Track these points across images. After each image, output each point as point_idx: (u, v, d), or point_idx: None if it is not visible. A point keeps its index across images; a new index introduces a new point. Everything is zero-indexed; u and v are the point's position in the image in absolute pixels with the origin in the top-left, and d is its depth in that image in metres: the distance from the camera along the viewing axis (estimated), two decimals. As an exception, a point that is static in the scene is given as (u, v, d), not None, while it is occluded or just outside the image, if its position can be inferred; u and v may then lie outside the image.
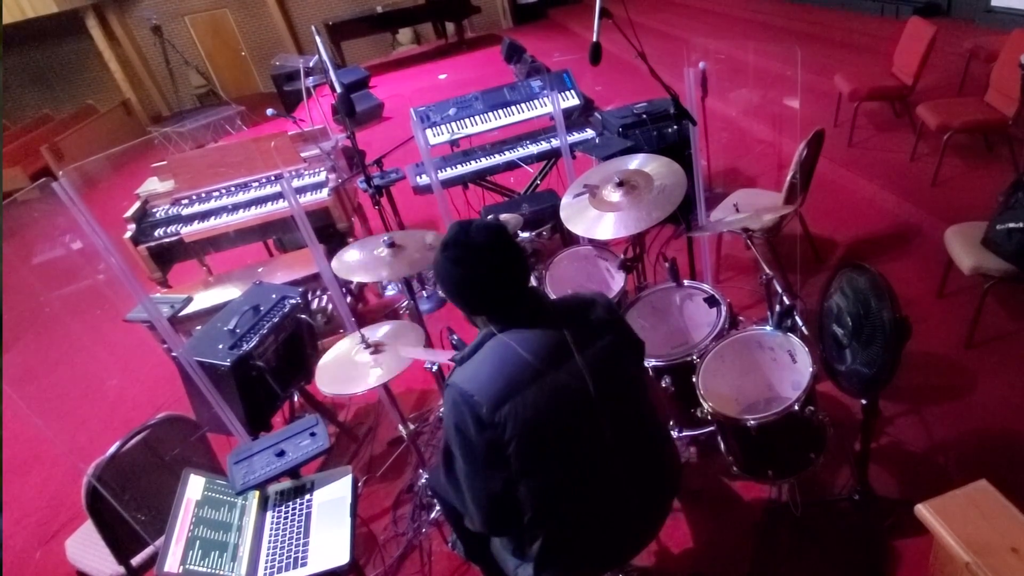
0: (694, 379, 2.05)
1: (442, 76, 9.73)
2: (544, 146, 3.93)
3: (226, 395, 2.38)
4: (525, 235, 2.98)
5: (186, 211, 3.85)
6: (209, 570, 1.64)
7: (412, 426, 2.36)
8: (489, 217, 1.78)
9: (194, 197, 3.93)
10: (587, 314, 1.51)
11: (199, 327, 2.85)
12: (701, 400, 1.99)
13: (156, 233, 3.79)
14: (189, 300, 3.06)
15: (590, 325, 1.49)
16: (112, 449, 2.00)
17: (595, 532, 1.53)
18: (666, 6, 9.70)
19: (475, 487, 1.43)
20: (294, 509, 1.86)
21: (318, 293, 3.58)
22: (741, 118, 5.30)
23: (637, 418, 1.56)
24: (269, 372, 2.44)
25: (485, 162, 3.90)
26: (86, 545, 2.22)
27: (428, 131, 4.06)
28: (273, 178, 3.93)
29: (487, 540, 1.67)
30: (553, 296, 2.48)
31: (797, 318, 2.16)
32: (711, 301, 2.28)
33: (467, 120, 4.12)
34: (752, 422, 1.87)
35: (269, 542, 1.79)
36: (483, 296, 1.46)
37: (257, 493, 1.92)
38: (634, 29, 2.18)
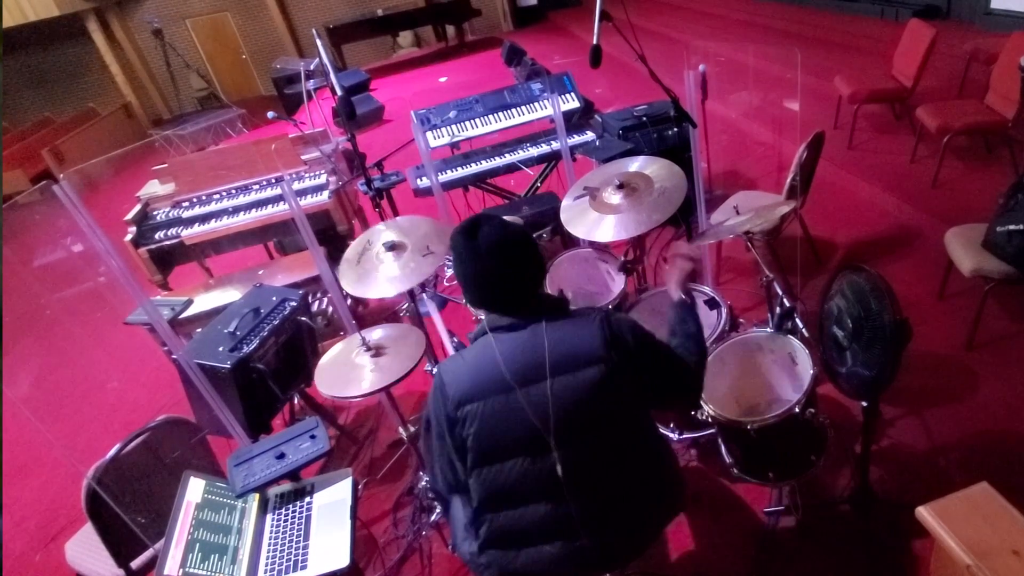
0: (694, 381, 2.04)
1: (442, 79, 9.74)
2: (544, 148, 3.93)
3: (226, 397, 2.38)
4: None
5: (187, 214, 3.86)
6: (209, 573, 1.64)
7: (412, 428, 2.36)
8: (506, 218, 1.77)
9: (195, 200, 3.93)
10: (583, 338, 1.44)
11: (199, 329, 2.85)
12: (702, 402, 1.99)
13: (157, 236, 3.79)
14: (189, 303, 3.06)
15: (580, 352, 1.42)
16: (112, 451, 1.99)
17: (534, 544, 1.50)
18: (666, 9, 9.71)
19: (435, 457, 1.56)
20: (294, 512, 1.86)
21: (318, 295, 3.58)
22: (741, 120, 5.31)
23: (603, 455, 1.46)
24: (269, 374, 2.44)
25: (485, 165, 3.91)
26: (86, 548, 2.22)
27: (428, 134, 4.06)
28: (274, 181, 3.94)
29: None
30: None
31: (797, 320, 2.16)
32: (711, 303, 2.28)
33: (467, 123, 4.13)
34: (752, 424, 1.87)
35: (269, 545, 1.78)
36: (479, 294, 1.49)
37: (257, 496, 1.91)
38: (634, 32, 2.19)
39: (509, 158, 3.90)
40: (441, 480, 1.59)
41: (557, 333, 1.44)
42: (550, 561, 1.50)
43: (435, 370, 1.53)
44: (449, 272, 3.89)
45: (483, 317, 1.52)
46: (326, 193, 3.77)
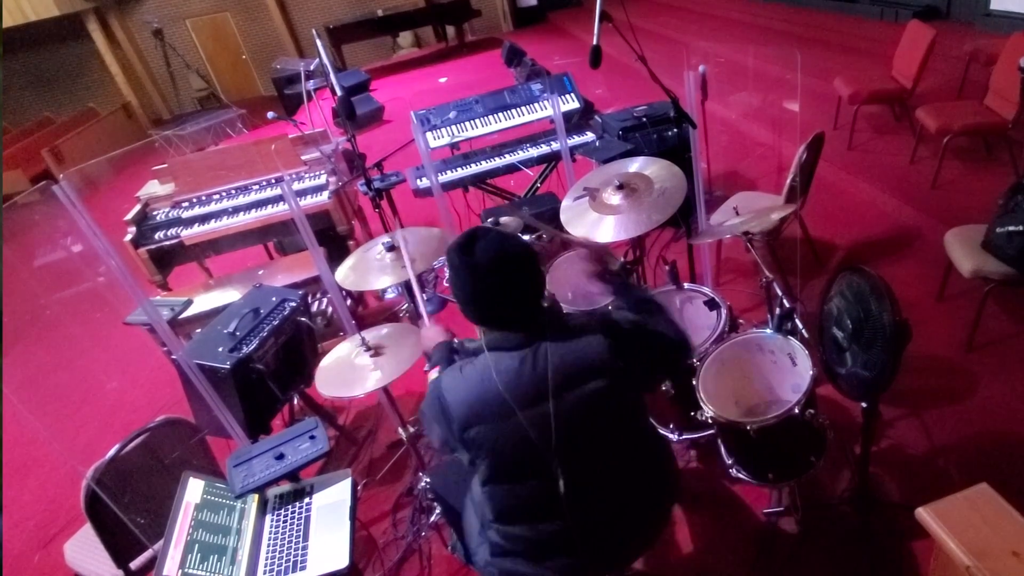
0: (694, 382, 2.05)
1: (442, 79, 9.75)
2: (544, 149, 3.93)
3: (226, 398, 2.38)
4: (525, 238, 2.98)
5: (186, 214, 3.86)
6: (208, 573, 1.64)
7: (412, 429, 2.36)
8: (503, 220, 1.77)
9: (194, 200, 3.93)
10: (585, 351, 1.40)
11: (199, 330, 2.85)
12: (701, 403, 1.99)
13: (156, 236, 3.79)
14: (189, 303, 3.06)
15: (581, 366, 1.39)
16: (111, 452, 1.99)
17: (544, 557, 1.53)
18: (666, 9, 9.72)
19: (435, 437, 1.50)
20: (293, 512, 1.86)
21: (318, 296, 3.58)
22: (741, 121, 5.31)
23: (611, 463, 1.49)
24: (269, 375, 2.44)
25: (485, 165, 3.91)
26: (85, 548, 2.22)
27: (428, 134, 4.06)
28: (273, 181, 3.94)
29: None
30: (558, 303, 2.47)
31: (797, 321, 2.16)
32: (711, 304, 2.28)
33: (467, 123, 4.13)
34: (752, 425, 1.86)
35: (268, 545, 1.78)
36: (477, 311, 1.44)
37: (256, 496, 1.91)
38: (634, 32, 2.19)
39: (509, 159, 3.90)
40: (440, 444, 1.52)
41: (561, 349, 1.40)
42: (556, 571, 1.52)
43: (433, 383, 1.47)
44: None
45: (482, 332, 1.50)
46: (326, 193, 3.77)
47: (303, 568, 1.69)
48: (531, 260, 1.41)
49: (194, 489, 1.83)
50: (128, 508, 1.98)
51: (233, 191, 3.94)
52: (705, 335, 2.22)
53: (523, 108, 4.18)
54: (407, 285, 2.64)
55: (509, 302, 1.40)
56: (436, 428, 1.48)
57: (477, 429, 1.39)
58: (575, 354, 1.40)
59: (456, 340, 1.95)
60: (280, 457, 1.92)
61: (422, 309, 2.15)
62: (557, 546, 1.51)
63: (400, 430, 2.35)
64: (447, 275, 1.46)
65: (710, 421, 1.99)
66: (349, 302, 3.55)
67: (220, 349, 2.39)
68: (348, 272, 2.42)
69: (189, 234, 3.75)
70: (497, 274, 1.37)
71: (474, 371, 1.43)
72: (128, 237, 3.73)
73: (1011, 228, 2.36)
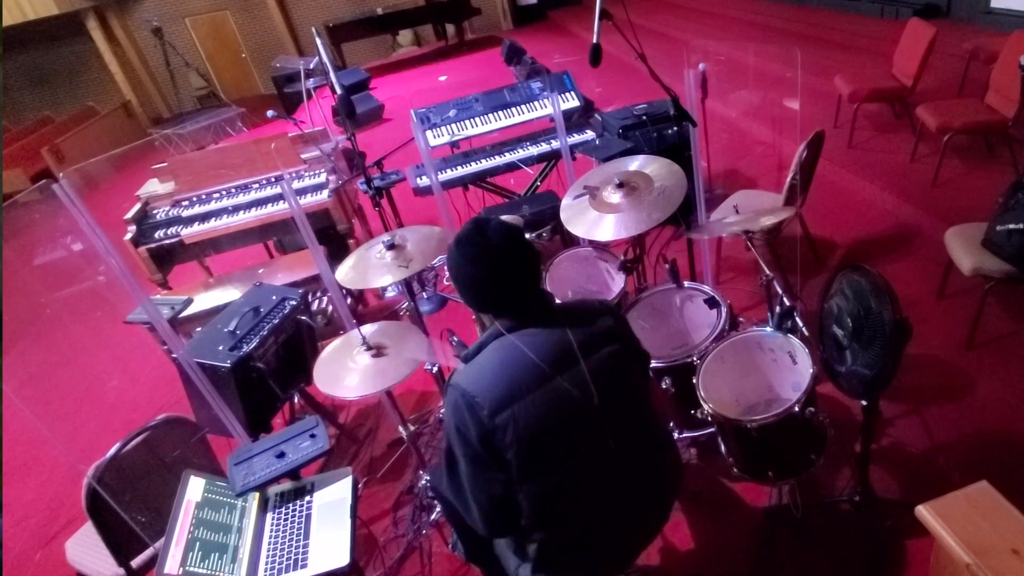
0: (694, 380, 2.05)
1: (442, 78, 9.74)
2: (544, 147, 3.93)
3: (226, 396, 2.38)
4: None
5: (186, 213, 3.86)
6: (209, 571, 1.64)
7: (412, 427, 2.36)
8: (503, 217, 1.78)
9: (194, 199, 3.93)
10: (593, 321, 1.51)
11: (199, 328, 2.85)
12: (701, 401, 1.99)
13: (156, 235, 3.79)
14: (189, 302, 3.06)
15: (595, 332, 1.49)
16: (112, 450, 1.99)
17: (593, 535, 1.53)
18: (666, 8, 9.71)
19: (477, 489, 1.43)
20: (294, 511, 1.86)
21: (318, 294, 3.59)
22: (741, 119, 5.31)
23: (638, 425, 1.55)
24: (269, 373, 2.44)
25: (485, 163, 3.91)
26: (86, 547, 2.22)
27: (428, 132, 4.06)
28: (273, 179, 3.94)
29: (489, 541, 1.67)
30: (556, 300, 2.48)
31: (797, 319, 2.16)
32: (711, 302, 2.28)
33: (467, 122, 4.12)
34: (752, 423, 1.87)
35: (269, 544, 1.79)
36: (494, 295, 1.46)
37: (257, 495, 1.92)
38: (634, 31, 2.18)
39: (509, 157, 3.90)
40: (484, 517, 1.45)
41: (573, 320, 1.49)
42: (600, 557, 1.55)
43: (451, 389, 1.42)
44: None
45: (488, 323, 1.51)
46: (326, 192, 3.77)
47: (304, 566, 1.69)
48: (527, 240, 1.50)
49: (195, 487, 1.83)
50: (129, 506, 1.98)
51: (233, 190, 3.94)
52: (705, 333, 2.23)
53: (523, 106, 4.18)
54: (406, 283, 2.65)
55: (525, 279, 1.46)
56: (464, 440, 1.39)
57: (511, 410, 1.35)
58: (587, 322, 1.50)
59: (454, 339, 1.95)
60: (281, 455, 1.92)
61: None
62: (604, 523, 1.52)
63: (400, 428, 2.35)
64: (453, 271, 1.46)
65: (710, 419, 1.99)
66: (349, 300, 3.55)
67: (220, 348, 2.40)
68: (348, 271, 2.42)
69: (189, 233, 3.75)
70: (512, 252, 1.43)
71: (494, 356, 1.43)
72: (128, 236, 3.73)
73: (1011, 226, 2.35)
